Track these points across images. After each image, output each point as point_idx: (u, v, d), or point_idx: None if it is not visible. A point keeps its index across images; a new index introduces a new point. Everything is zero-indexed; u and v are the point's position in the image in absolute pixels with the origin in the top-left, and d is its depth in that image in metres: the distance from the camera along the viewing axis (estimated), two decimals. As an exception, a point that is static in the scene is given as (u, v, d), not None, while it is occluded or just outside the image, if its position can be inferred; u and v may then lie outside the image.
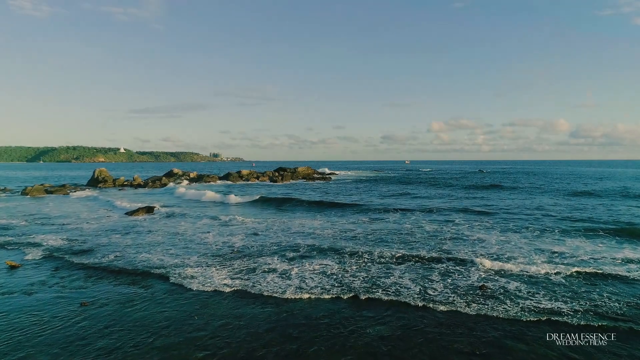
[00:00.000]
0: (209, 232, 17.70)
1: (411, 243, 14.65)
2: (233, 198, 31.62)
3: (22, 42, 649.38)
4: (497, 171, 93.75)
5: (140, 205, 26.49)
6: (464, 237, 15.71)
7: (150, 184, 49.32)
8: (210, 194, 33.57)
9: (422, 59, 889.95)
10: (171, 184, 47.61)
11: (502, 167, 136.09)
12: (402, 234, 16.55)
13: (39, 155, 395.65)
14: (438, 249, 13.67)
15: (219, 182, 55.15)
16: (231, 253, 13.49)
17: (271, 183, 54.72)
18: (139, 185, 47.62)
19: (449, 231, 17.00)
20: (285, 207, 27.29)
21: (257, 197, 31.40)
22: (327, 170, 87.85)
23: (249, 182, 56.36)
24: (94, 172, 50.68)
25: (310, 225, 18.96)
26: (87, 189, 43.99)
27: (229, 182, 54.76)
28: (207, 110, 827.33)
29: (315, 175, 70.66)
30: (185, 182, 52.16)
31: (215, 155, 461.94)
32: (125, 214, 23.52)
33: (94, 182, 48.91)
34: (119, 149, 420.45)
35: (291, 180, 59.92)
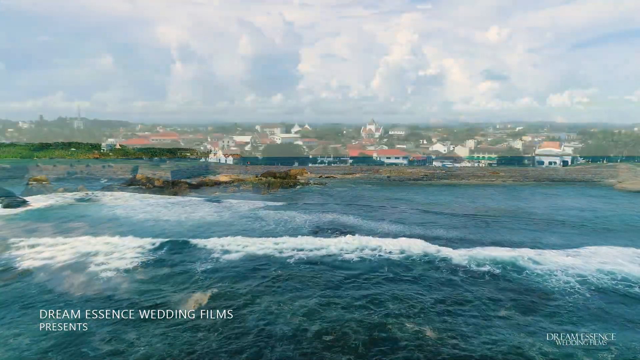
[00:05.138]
0: None
1: None
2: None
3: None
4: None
5: None
6: None
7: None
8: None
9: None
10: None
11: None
12: None
13: (33, 152, 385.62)
14: None
15: (190, 197, 44.91)
16: None
17: (253, 194, 44.62)
18: (82, 198, 37.63)
19: None
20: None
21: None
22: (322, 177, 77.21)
23: (226, 192, 46.15)
24: (27, 181, 40.69)
25: None
26: None
27: (199, 197, 44.57)
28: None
29: (310, 179, 60.63)
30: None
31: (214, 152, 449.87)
32: None
33: (27, 193, 38.93)
34: (115, 145, 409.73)
35: (280, 190, 49.78)
